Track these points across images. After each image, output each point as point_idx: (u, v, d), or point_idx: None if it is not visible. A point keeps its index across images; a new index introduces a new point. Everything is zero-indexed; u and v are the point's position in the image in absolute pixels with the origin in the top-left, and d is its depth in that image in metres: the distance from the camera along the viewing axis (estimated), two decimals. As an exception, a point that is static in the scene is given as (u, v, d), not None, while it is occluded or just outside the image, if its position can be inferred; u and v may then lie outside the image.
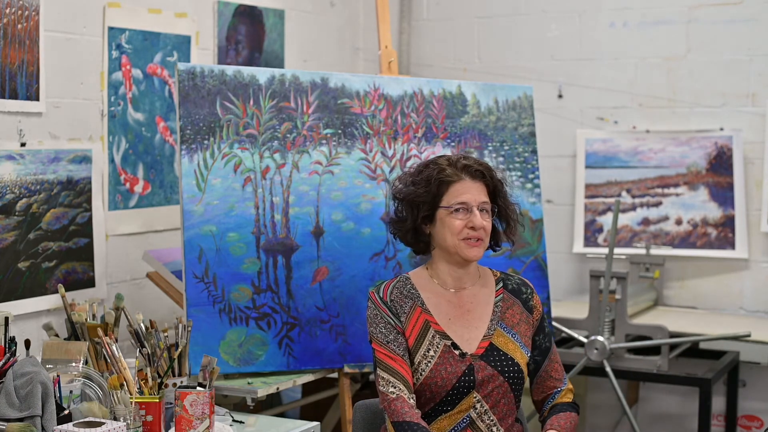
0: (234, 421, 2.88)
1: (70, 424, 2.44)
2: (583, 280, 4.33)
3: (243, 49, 3.97)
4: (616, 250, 4.02)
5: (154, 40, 3.54)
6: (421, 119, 3.42)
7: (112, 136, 3.40)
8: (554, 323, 3.67)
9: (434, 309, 2.64)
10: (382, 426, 2.70)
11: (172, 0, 3.61)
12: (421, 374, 2.56)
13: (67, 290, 3.05)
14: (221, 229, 3.07)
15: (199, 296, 3.02)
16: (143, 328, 2.83)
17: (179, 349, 2.81)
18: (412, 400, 2.53)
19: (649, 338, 3.66)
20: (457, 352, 2.58)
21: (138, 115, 3.50)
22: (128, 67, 3.45)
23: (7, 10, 2.96)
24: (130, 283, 3.48)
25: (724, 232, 4.10)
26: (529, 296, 2.72)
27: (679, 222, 4.18)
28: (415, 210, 2.65)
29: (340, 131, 3.28)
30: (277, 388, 3.05)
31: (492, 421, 2.58)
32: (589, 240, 4.31)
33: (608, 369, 3.60)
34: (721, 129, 4.11)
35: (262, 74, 3.20)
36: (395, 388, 2.53)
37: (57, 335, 2.97)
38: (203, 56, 3.77)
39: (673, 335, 3.65)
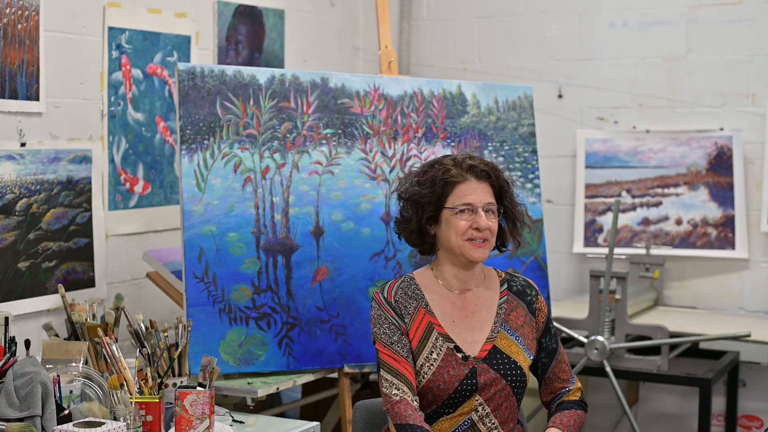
0: (234, 421, 2.88)
1: (70, 424, 2.44)
2: (583, 280, 4.33)
3: (243, 49, 3.97)
4: (616, 250, 4.02)
5: (154, 40, 3.54)
6: (421, 119, 3.42)
7: (112, 136, 3.40)
8: (554, 323, 3.66)
9: (438, 310, 2.62)
10: (384, 426, 2.69)
11: (172, 0, 3.61)
12: (423, 377, 2.55)
13: (67, 290, 3.05)
14: (221, 229, 3.07)
15: (199, 296, 3.02)
16: (143, 328, 2.83)
17: (179, 349, 2.81)
18: (415, 403, 2.52)
19: (649, 338, 3.66)
20: (459, 355, 2.57)
21: (138, 115, 3.50)
22: (128, 67, 3.45)
23: (7, 10, 2.96)
24: (130, 283, 3.48)
25: (724, 232, 4.10)
26: (534, 298, 2.70)
27: (679, 222, 4.18)
28: (420, 210, 2.63)
29: (340, 131, 3.28)
30: (277, 388, 3.05)
31: (493, 424, 2.57)
32: (589, 240, 4.31)
33: (608, 369, 3.60)
34: (721, 129, 4.11)
35: (262, 74, 3.20)
36: (399, 390, 2.52)
37: (57, 335, 2.97)
38: (203, 56, 3.77)
39: (673, 335, 3.65)
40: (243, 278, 3.09)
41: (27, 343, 2.78)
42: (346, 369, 3.18)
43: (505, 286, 2.70)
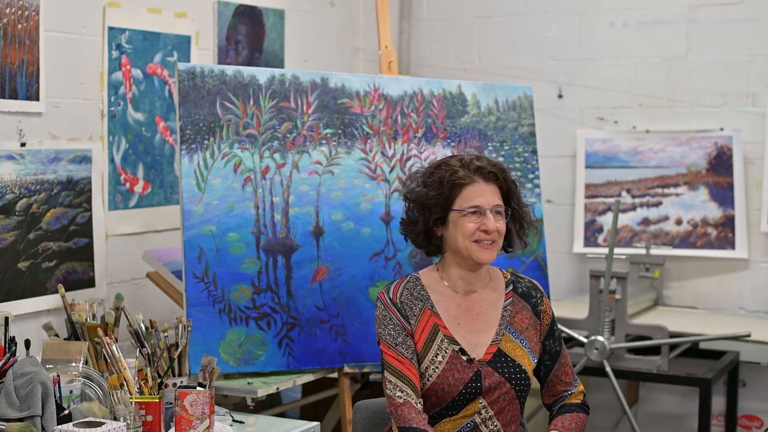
0: (234, 421, 2.88)
1: (70, 424, 2.44)
2: (583, 280, 4.33)
3: (243, 49, 3.97)
4: (616, 250, 4.02)
5: (154, 40, 3.54)
6: (421, 119, 3.42)
7: (112, 136, 3.40)
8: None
9: (443, 312, 2.60)
10: (387, 426, 2.69)
11: (172, 0, 3.61)
12: (428, 380, 2.54)
13: (67, 290, 3.05)
14: (221, 229, 3.07)
15: (199, 296, 3.02)
16: (143, 328, 2.83)
17: (179, 349, 2.81)
18: (419, 405, 2.51)
19: (649, 338, 3.66)
20: (464, 358, 2.55)
21: (138, 115, 3.50)
22: (128, 67, 3.45)
23: (7, 10, 2.96)
24: (130, 283, 3.48)
25: (724, 232, 4.10)
26: (539, 301, 2.68)
27: (679, 222, 4.18)
28: (427, 212, 2.61)
29: (340, 131, 3.28)
30: (277, 388, 3.05)
31: (496, 427, 2.56)
32: (589, 240, 4.31)
33: (608, 369, 3.60)
34: (721, 129, 4.11)
35: (262, 74, 3.20)
36: (402, 392, 2.51)
37: (57, 335, 2.97)
38: (203, 56, 3.77)
39: (673, 335, 3.65)
40: (243, 278, 3.09)
41: (27, 343, 2.78)
42: (346, 369, 3.18)
43: (511, 287, 2.68)
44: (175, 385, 2.75)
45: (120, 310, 3.01)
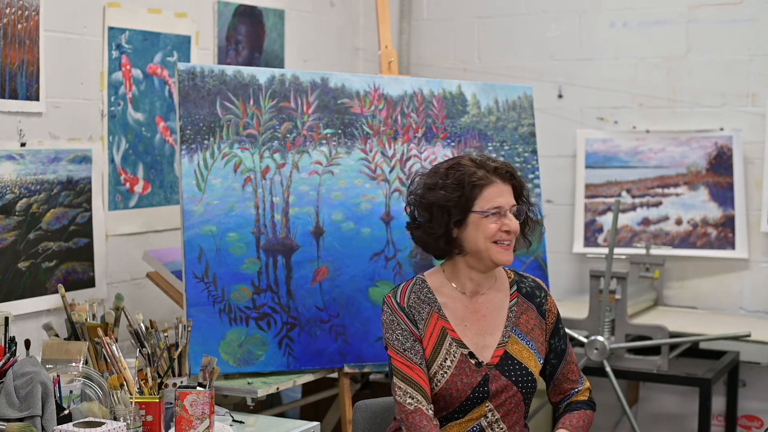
0: (234, 421, 2.88)
1: (70, 424, 2.44)
2: (583, 280, 4.33)
3: (243, 49, 3.97)
4: (616, 250, 4.02)
5: (154, 40, 3.54)
6: (421, 119, 3.42)
7: (112, 136, 3.40)
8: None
9: (450, 314, 2.58)
10: (389, 426, 2.68)
11: (172, 0, 3.61)
12: (436, 385, 2.52)
13: (67, 290, 3.05)
14: (221, 229, 3.07)
15: (199, 296, 3.02)
16: (143, 328, 2.83)
17: (179, 349, 2.81)
18: (430, 411, 2.48)
19: (649, 338, 3.66)
20: (473, 362, 2.54)
21: (138, 115, 3.50)
22: (128, 67, 3.45)
23: (7, 10, 2.96)
24: (130, 283, 3.48)
25: (724, 232, 4.10)
26: (543, 300, 2.66)
27: (679, 222, 4.18)
28: (446, 215, 2.55)
29: (340, 131, 3.28)
30: (277, 388, 3.05)
31: (502, 429, 2.55)
32: (589, 240, 4.31)
33: (608, 369, 3.60)
34: (721, 129, 4.11)
35: (262, 74, 3.20)
36: (413, 399, 2.48)
37: (57, 335, 2.97)
38: (203, 56, 3.77)
39: (673, 335, 3.65)
40: (243, 278, 3.09)
41: (27, 343, 2.78)
42: (346, 369, 3.18)
43: (515, 287, 2.66)
44: (175, 385, 2.75)
45: (120, 310, 3.01)
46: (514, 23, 4.48)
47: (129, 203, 3.49)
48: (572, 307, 4.04)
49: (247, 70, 3.18)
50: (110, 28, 3.36)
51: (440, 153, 3.39)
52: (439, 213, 2.55)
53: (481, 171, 2.55)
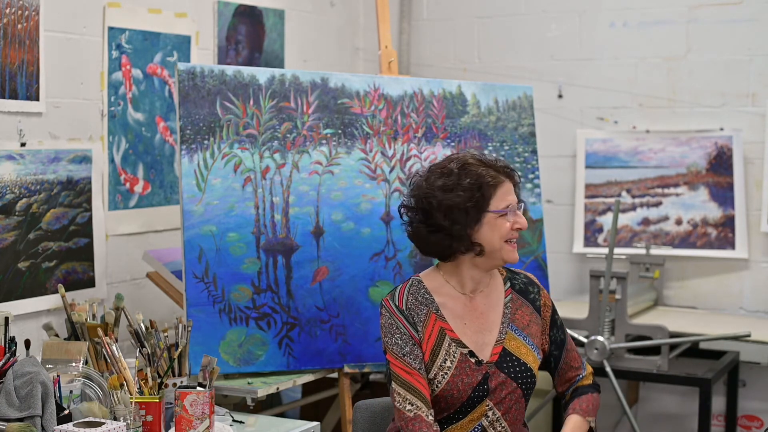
0: (234, 421, 2.88)
1: (70, 424, 2.44)
2: (583, 280, 4.33)
3: (243, 49, 3.97)
4: (616, 250, 4.02)
5: (154, 40, 3.54)
6: (421, 119, 3.42)
7: (112, 136, 3.40)
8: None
9: (449, 314, 2.58)
10: (389, 426, 2.68)
11: (172, 0, 3.61)
12: (437, 386, 2.51)
13: (67, 290, 3.05)
14: (221, 229, 3.07)
15: (199, 296, 3.02)
16: (143, 328, 2.83)
17: (179, 349, 2.81)
18: (430, 417, 2.47)
19: (649, 338, 3.66)
20: (473, 360, 2.53)
21: (138, 115, 3.50)
22: (128, 67, 3.45)
23: (7, 10, 2.96)
24: (130, 283, 3.49)
25: (724, 232, 4.10)
26: (537, 295, 2.67)
27: (679, 222, 4.18)
28: (463, 217, 2.52)
29: (340, 131, 3.28)
30: (277, 388, 3.05)
31: (503, 427, 2.54)
32: (589, 240, 4.31)
33: (608, 369, 3.60)
34: (721, 129, 4.11)
35: (262, 74, 3.20)
36: (412, 405, 2.47)
37: (57, 335, 2.97)
38: (203, 56, 3.77)
39: (673, 335, 3.65)
40: (243, 278, 3.09)
41: (27, 343, 2.78)
42: (346, 369, 3.18)
43: (508, 284, 2.67)
44: (175, 385, 2.75)
45: (120, 310, 3.01)
46: (514, 23, 4.48)
47: (129, 203, 3.49)
48: (572, 307, 4.04)
49: (247, 70, 3.18)
50: (110, 28, 3.36)
51: (440, 153, 3.39)
52: (460, 215, 2.53)
53: (492, 170, 2.56)
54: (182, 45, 3.66)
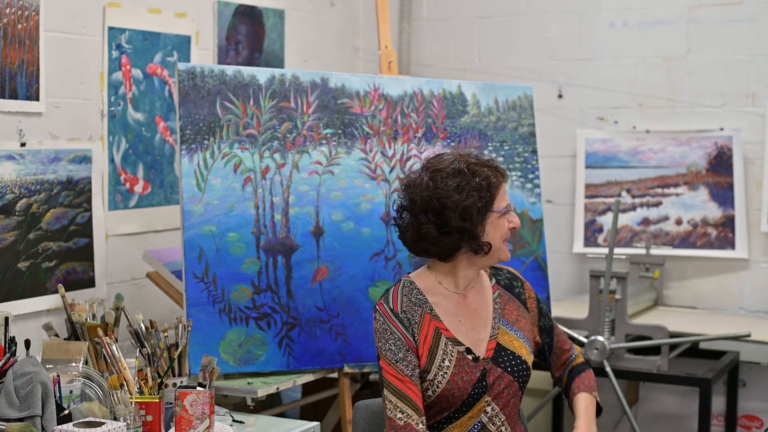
0: (234, 421, 2.88)
1: (70, 424, 2.44)
2: (583, 280, 4.33)
3: (243, 49, 3.97)
4: (616, 250, 4.02)
5: (154, 40, 3.54)
6: (421, 119, 3.42)
7: (112, 136, 3.40)
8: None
9: (443, 313, 2.58)
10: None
11: (172, 0, 3.61)
12: (437, 387, 2.50)
13: (67, 290, 3.05)
14: (221, 229, 3.07)
15: (199, 296, 3.02)
16: (143, 328, 2.83)
17: (179, 349, 2.81)
18: (421, 426, 2.46)
19: (649, 338, 3.66)
20: (470, 357, 2.54)
21: (138, 115, 3.50)
22: (128, 67, 3.45)
23: (7, 10, 2.96)
24: (130, 283, 3.49)
25: (724, 232, 4.10)
26: (521, 289, 2.70)
27: (679, 222, 4.18)
28: (475, 218, 2.53)
29: (340, 131, 3.28)
30: (277, 388, 3.05)
31: (501, 421, 2.55)
32: (589, 240, 4.31)
33: (608, 369, 3.60)
34: (721, 129, 4.11)
35: (262, 74, 3.20)
36: (403, 413, 2.46)
37: (57, 335, 2.97)
38: (203, 56, 3.77)
39: (673, 335, 3.65)
40: (243, 278, 3.09)
41: (27, 343, 2.78)
42: (346, 369, 3.18)
43: (494, 280, 2.69)
44: (175, 385, 2.75)
45: (120, 310, 3.01)
46: (514, 23, 4.48)
47: (129, 203, 3.49)
48: (572, 307, 4.04)
49: (247, 70, 3.18)
50: (110, 28, 3.36)
51: (440, 152, 3.38)
52: (473, 215, 2.53)
53: (493, 171, 2.58)
54: (182, 45, 3.66)
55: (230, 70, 3.15)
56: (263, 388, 2.98)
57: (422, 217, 2.55)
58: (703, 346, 3.88)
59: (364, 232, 3.26)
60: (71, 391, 2.63)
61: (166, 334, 2.86)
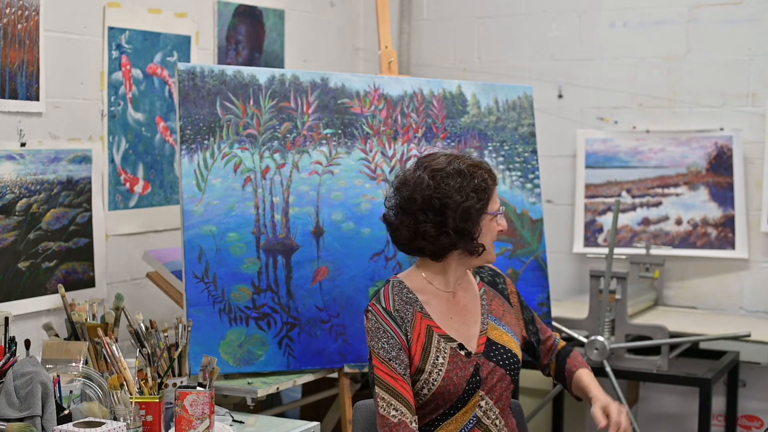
0: (234, 421, 2.88)
1: (70, 424, 2.44)
2: (583, 280, 4.33)
3: (243, 49, 3.97)
4: (616, 250, 4.02)
5: (154, 40, 3.54)
6: (421, 119, 3.42)
7: (112, 136, 3.40)
8: (554, 323, 3.67)
9: (434, 311, 2.60)
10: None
11: (172, 0, 3.61)
12: (433, 384, 2.51)
13: (67, 290, 3.05)
14: (221, 229, 3.07)
15: (199, 296, 3.02)
16: (143, 328, 2.83)
17: (179, 349, 2.81)
18: (414, 425, 2.46)
19: (649, 338, 3.66)
20: (463, 353, 2.56)
21: (138, 115, 3.50)
22: (128, 67, 3.45)
23: (7, 10, 2.96)
24: (130, 283, 3.49)
25: (724, 232, 4.10)
26: (504, 285, 2.74)
27: (679, 222, 4.18)
28: (472, 219, 2.55)
29: (340, 131, 3.28)
30: (277, 388, 3.05)
31: (495, 415, 2.57)
32: (589, 240, 4.31)
33: (608, 369, 3.60)
34: (721, 129, 4.11)
35: (262, 74, 3.20)
36: (396, 411, 2.46)
37: (57, 335, 2.97)
38: (203, 56, 3.77)
39: (673, 335, 3.65)
40: (243, 278, 3.09)
41: (27, 343, 2.78)
42: (346, 369, 3.18)
43: (478, 278, 2.73)
44: (175, 385, 2.75)
45: (120, 310, 3.01)
46: (514, 23, 4.48)
47: (129, 203, 3.49)
48: (572, 307, 4.04)
49: (247, 70, 3.18)
50: (110, 28, 3.36)
51: (436, 151, 3.38)
52: (471, 216, 2.54)
53: (487, 172, 2.61)
54: (182, 45, 3.66)
55: (230, 70, 3.15)
56: (263, 388, 2.98)
57: (421, 216, 2.55)
58: (703, 346, 3.88)
59: (364, 232, 3.26)
60: (71, 391, 2.63)
61: (166, 334, 2.86)
